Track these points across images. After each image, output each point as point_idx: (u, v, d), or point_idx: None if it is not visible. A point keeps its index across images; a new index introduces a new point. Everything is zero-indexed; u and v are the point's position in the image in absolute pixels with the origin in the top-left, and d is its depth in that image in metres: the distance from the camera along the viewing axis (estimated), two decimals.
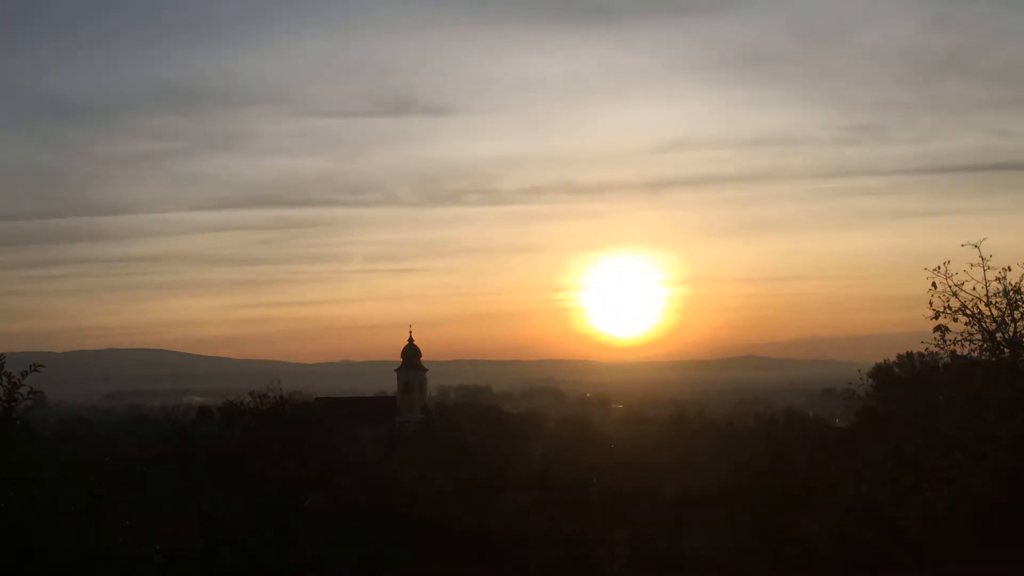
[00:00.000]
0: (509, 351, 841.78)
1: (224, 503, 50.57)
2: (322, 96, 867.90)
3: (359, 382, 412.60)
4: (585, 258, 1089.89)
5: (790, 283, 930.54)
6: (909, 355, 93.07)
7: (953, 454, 26.20)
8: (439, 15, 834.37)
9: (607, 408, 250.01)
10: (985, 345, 26.01)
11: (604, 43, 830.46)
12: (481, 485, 55.56)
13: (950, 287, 25.97)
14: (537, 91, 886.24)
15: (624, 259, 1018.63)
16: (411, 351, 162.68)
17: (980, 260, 25.58)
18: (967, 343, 26.17)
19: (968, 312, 25.86)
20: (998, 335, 25.82)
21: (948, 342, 26.40)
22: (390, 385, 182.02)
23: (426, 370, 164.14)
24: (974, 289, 25.88)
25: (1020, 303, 25.68)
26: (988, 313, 25.82)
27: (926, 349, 27.82)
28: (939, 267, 26.08)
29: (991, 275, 25.68)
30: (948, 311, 25.96)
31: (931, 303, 26.14)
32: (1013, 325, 25.76)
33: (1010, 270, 25.68)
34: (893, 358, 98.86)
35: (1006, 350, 25.88)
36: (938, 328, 26.22)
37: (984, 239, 25.54)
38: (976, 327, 25.91)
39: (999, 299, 25.75)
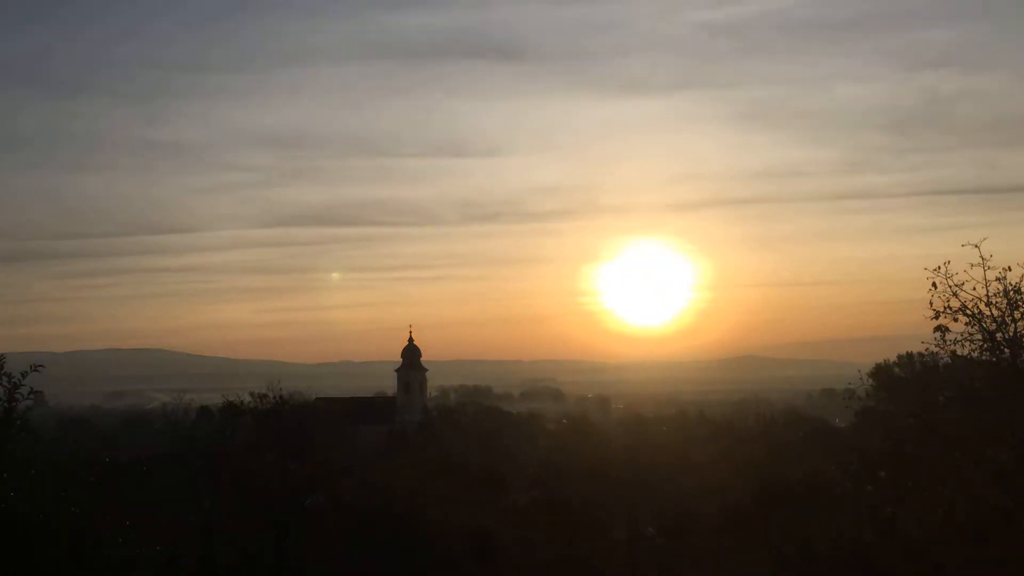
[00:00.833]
0: (509, 351, 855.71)
1: (224, 503, 50.69)
2: (388, 140, 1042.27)
3: (359, 382, 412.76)
4: (606, 266, 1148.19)
5: (795, 288, 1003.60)
6: (909, 355, 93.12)
7: (953, 454, 26.17)
8: (487, 79, 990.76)
9: (607, 408, 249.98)
10: (985, 345, 25.96)
11: (629, 104, 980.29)
12: (481, 485, 55.57)
13: (950, 287, 25.92)
14: (569, 135, 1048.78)
15: (641, 268, 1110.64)
16: (411, 351, 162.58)
17: (980, 260, 25.54)
18: (967, 343, 26.13)
19: (968, 312, 25.80)
20: (998, 335, 25.78)
21: (948, 342, 26.35)
22: (390, 385, 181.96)
23: (426, 370, 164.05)
24: (974, 289, 25.83)
25: (1020, 303, 25.63)
26: (988, 313, 25.77)
27: (926, 349, 27.77)
28: (939, 267, 26.01)
29: (991, 275, 25.64)
30: (948, 311, 25.91)
31: (931, 303, 26.10)
32: (1013, 325, 25.72)
33: (1010, 270, 25.63)
34: (893, 358, 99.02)
35: (1006, 350, 25.83)
36: (938, 328, 26.17)
37: (985, 239, 25.50)
38: (976, 327, 25.86)
39: (999, 299, 25.70)
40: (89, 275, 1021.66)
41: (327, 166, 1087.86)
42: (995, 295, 25.69)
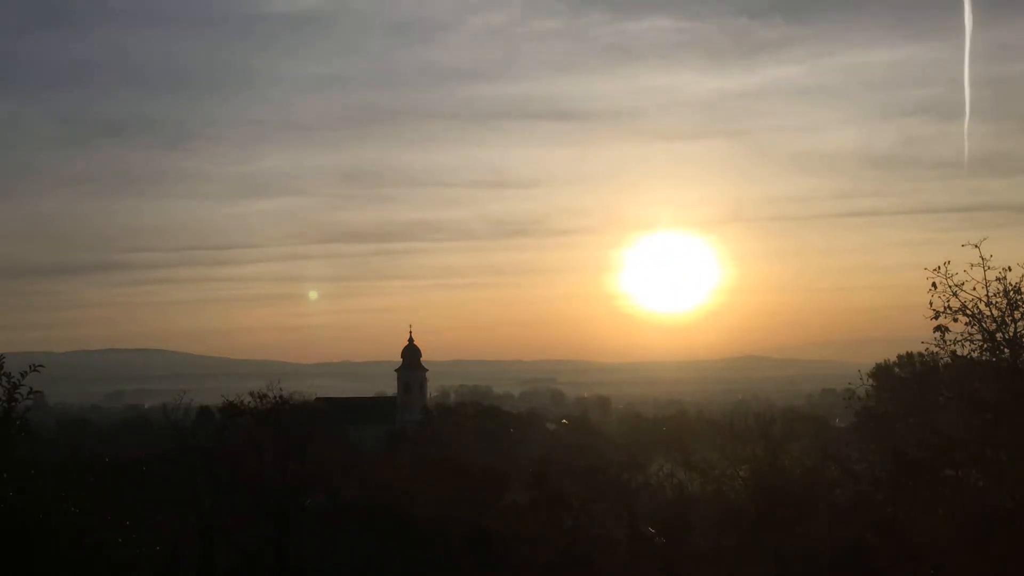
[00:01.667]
0: (509, 351, 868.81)
1: (224, 503, 50.64)
2: (441, 172, 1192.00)
3: (359, 382, 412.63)
4: (621, 271, 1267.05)
5: (797, 293, 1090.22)
6: (909, 355, 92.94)
7: (953, 454, 26.17)
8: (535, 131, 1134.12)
9: (607, 408, 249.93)
10: (985, 345, 25.95)
11: (657, 147, 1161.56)
12: (481, 485, 55.54)
13: (950, 287, 25.88)
14: (601, 167, 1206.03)
15: (651, 270, 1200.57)
16: (411, 351, 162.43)
17: (980, 260, 25.49)
18: (967, 343, 26.12)
19: (968, 312, 25.78)
20: (998, 335, 25.77)
21: (948, 342, 26.34)
22: (390, 385, 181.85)
23: (426, 370, 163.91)
24: (974, 289, 25.80)
25: (1020, 303, 25.61)
26: (988, 313, 25.75)
27: (926, 349, 27.82)
28: (939, 267, 25.96)
29: (991, 275, 25.59)
30: (948, 311, 25.87)
31: (931, 303, 26.06)
32: (1013, 325, 25.70)
33: (1010, 270, 25.62)
34: (893, 358, 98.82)
35: (1006, 350, 25.82)
36: (938, 328, 26.15)
37: (985, 238, 25.44)
38: (976, 327, 25.83)
39: (999, 299, 25.67)
40: (155, 282, 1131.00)
41: (382, 194, 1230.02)
42: (995, 295, 25.68)
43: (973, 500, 25.24)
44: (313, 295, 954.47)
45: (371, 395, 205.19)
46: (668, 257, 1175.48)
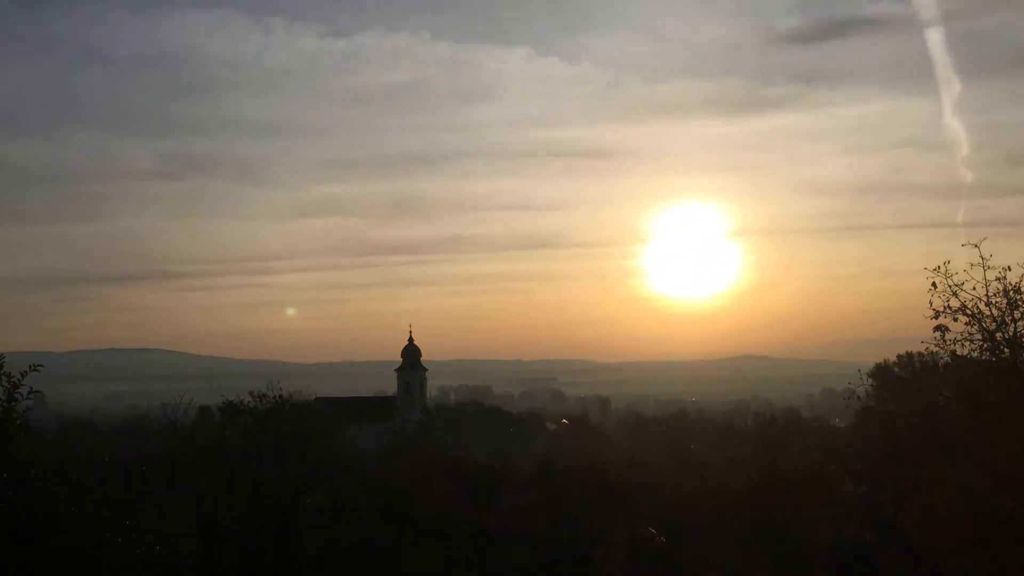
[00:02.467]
0: (509, 351, 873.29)
1: (224, 503, 50.65)
2: (476, 198, 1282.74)
3: (359, 382, 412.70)
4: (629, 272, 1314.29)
5: (799, 296, 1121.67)
6: (909, 355, 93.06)
7: (953, 454, 26.17)
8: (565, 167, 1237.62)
9: (607, 408, 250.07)
10: (985, 345, 25.91)
11: (675, 179, 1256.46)
12: (481, 485, 55.53)
13: (950, 287, 25.86)
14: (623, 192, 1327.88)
15: (660, 272, 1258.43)
16: (411, 351, 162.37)
17: (980, 260, 25.46)
18: (967, 343, 26.08)
19: (968, 312, 25.74)
20: (998, 335, 25.73)
21: (948, 342, 26.30)
22: (390, 385, 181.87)
23: (426, 370, 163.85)
24: (974, 289, 25.76)
25: (1020, 303, 25.58)
26: (988, 313, 25.71)
27: (926, 349, 27.75)
28: (939, 267, 25.92)
29: (991, 275, 25.57)
30: (948, 311, 25.84)
31: (931, 303, 26.03)
32: (1013, 325, 25.66)
33: (1010, 270, 25.56)
34: (893, 358, 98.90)
35: (1006, 350, 25.79)
36: (938, 328, 26.12)
37: (985, 238, 25.41)
38: (976, 327, 25.80)
39: (999, 299, 25.64)
40: (200, 289, 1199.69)
41: (419, 214, 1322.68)
42: (995, 295, 25.64)
43: (973, 500, 25.22)
44: (291, 311, 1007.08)
45: (371, 395, 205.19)
46: (674, 263, 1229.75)
